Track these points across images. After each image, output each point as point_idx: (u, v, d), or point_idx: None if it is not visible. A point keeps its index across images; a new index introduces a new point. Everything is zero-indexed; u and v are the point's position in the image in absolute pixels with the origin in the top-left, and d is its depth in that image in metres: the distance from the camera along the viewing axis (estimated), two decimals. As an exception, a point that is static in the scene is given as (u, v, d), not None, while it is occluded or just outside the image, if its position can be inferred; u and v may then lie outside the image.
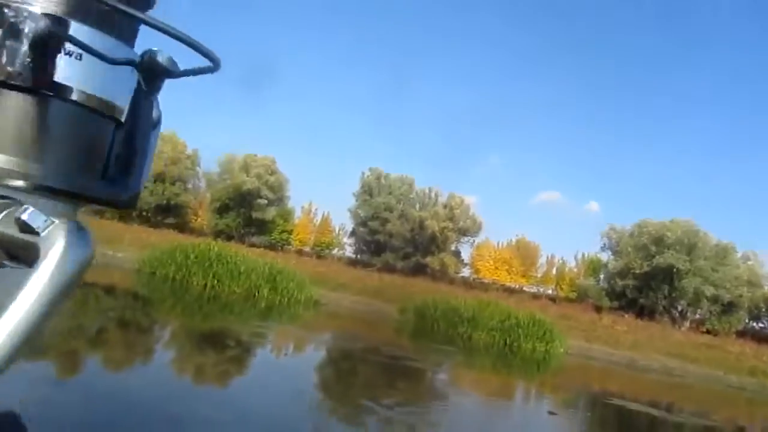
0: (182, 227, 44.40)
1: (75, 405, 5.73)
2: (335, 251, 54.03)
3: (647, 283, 39.90)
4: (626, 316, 34.75)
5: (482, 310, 22.01)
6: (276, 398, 7.82)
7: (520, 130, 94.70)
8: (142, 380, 7.51)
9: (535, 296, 42.12)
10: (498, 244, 54.56)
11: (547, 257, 55.64)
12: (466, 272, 52.49)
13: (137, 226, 35.19)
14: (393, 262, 45.04)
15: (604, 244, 45.14)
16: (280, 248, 44.30)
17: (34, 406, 5.29)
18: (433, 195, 49.49)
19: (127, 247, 24.50)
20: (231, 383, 8.61)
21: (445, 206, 47.06)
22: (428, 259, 45.22)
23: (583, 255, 53.38)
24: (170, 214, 47.27)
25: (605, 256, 46.29)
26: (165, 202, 46.18)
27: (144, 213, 46.00)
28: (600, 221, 76.96)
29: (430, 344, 17.87)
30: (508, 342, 20.78)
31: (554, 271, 54.86)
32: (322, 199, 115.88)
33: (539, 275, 54.80)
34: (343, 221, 53.86)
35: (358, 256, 50.07)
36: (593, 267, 49.65)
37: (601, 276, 46.47)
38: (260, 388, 8.40)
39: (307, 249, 51.82)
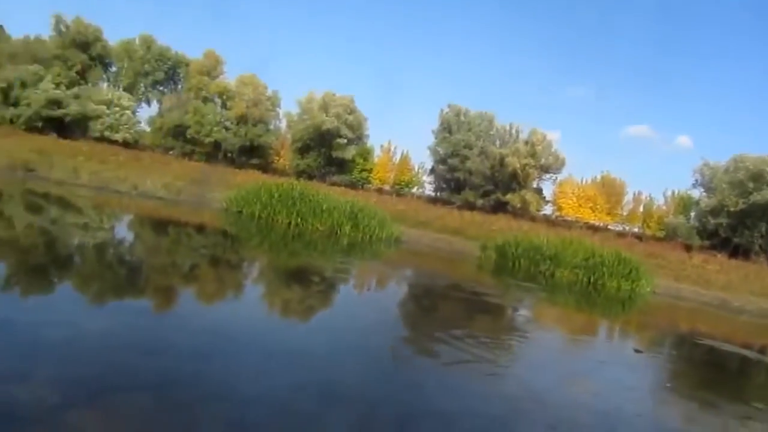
0: (265, 168, 45.51)
1: (171, 337, 6.10)
2: (415, 189, 54.14)
3: (742, 221, 37.87)
4: (718, 255, 33.24)
5: (565, 247, 21.61)
6: (359, 330, 8.05)
7: (607, 60, 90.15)
8: (234, 314, 7.89)
9: (621, 234, 40.95)
10: (582, 180, 53.05)
11: (634, 194, 53.72)
12: (547, 210, 51.48)
13: (223, 168, 36.33)
14: (473, 200, 44.67)
15: (696, 181, 42.90)
16: (360, 187, 44.77)
17: (133, 338, 5.68)
18: (513, 131, 48.26)
19: (215, 187, 25.43)
20: (317, 316, 8.91)
21: (526, 142, 45.82)
22: (509, 197, 44.51)
23: (673, 192, 51.20)
24: (253, 155, 48.49)
25: (697, 193, 44.14)
26: (248, 143, 47.33)
27: (229, 155, 47.41)
28: (692, 157, 73.02)
29: (511, 281, 17.79)
30: (591, 280, 20.40)
31: (641, 208, 52.99)
32: (401, 137, 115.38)
33: (625, 213, 53.09)
34: (422, 159, 53.63)
35: (438, 194, 49.92)
36: (683, 204, 47.57)
37: (692, 214, 44.49)
38: (345, 320, 8.66)
39: (386, 187, 52.18)
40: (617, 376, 7.97)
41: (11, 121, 40.79)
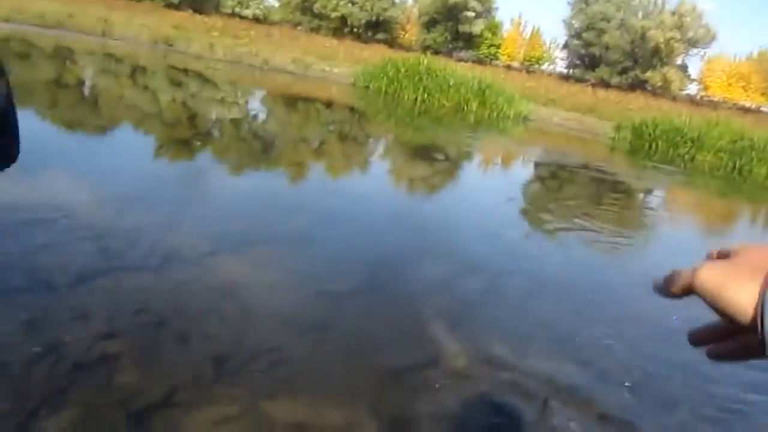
0: (391, 43, 44.85)
1: (305, 202, 6.42)
2: (545, 66, 51.48)
3: None
4: None
5: (709, 130, 19.95)
6: (484, 205, 8.07)
7: None
8: (362, 186, 8.13)
9: (776, 116, 37.12)
10: (734, 57, 47.92)
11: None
12: (691, 89, 47.44)
13: (349, 42, 36.13)
14: (608, 78, 41.89)
15: None
16: (487, 63, 43.22)
17: (270, 201, 6.03)
18: (659, 1, 43.84)
19: (342, 62, 25.52)
20: (441, 190, 8.99)
21: (672, 14, 41.59)
22: (648, 74, 41.29)
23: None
24: (379, 29, 47.78)
25: None
26: (374, 17, 46.57)
27: (355, 29, 47.00)
28: None
29: (646, 164, 16.87)
30: (737, 165, 18.87)
31: (804, 86, 47.40)
32: (532, 11, 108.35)
33: (784, 92, 47.77)
34: (554, 34, 50.57)
35: (571, 71, 47.22)
36: None
37: None
38: (469, 195, 8.69)
39: (515, 64, 49.94)
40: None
41: (151, -1, 42.42)
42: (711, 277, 0.56)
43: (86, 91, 12.27)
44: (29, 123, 7.79)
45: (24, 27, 21.59)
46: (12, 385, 2.52)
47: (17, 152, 0.63)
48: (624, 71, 42.26)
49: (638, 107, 26.68)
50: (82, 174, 5.61)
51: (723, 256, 0.60)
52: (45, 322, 3.00)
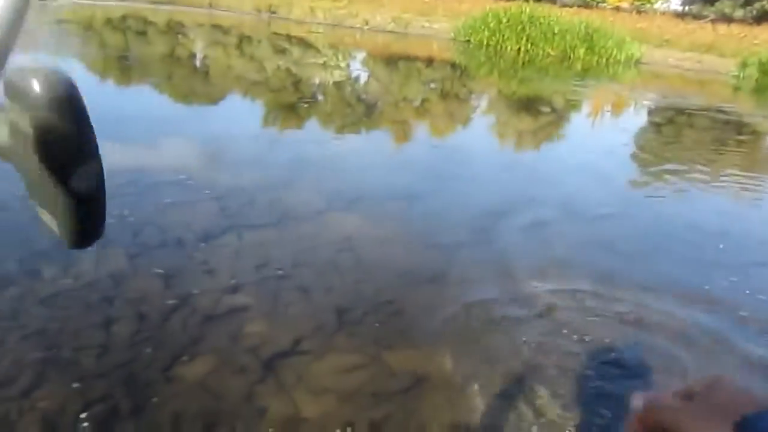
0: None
1: (415, 160, 6.40)
2: (658, 5, 48.05)
3: None
4: None
5: None
6: (593, 156, 7.72)
7: None
8: (467, 142, 8.01)
9: None
10: None
11: None
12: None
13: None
14: (730, 12, 38.49)
15: None
16: (594, 6, 40.95)
17: (378, 159, 6.06)
18: None
19: (442, 17, 25.03)
20: (548, 143, 8.69)
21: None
22: (778, 5, 37.56)
23: None
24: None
25: None
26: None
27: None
28: None
29: (777, 103, 15.49)
30: None
31: None
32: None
33: None
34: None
35: (687, 8, 43.83)
36: None
37: None
38: (577, 146, 8.35)
39: (624, 5, 46.97)
40: None
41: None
42: (670, 416, 0.50)
43: (198, 63, 12.79)
44: (151, 96, 8.25)
45: (138, 3, 22.76)
46: (151, 333, 2.71)
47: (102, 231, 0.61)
48: (749, 2, 38.67)
49: (765, 40, 24.40)
50: (200, 139, 5.88)
51: (688, 395, 0.52)
52: (177, 277, 3.19)
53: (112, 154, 4.48)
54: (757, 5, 38.38)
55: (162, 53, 13.09)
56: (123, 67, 10.47)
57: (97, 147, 0.55)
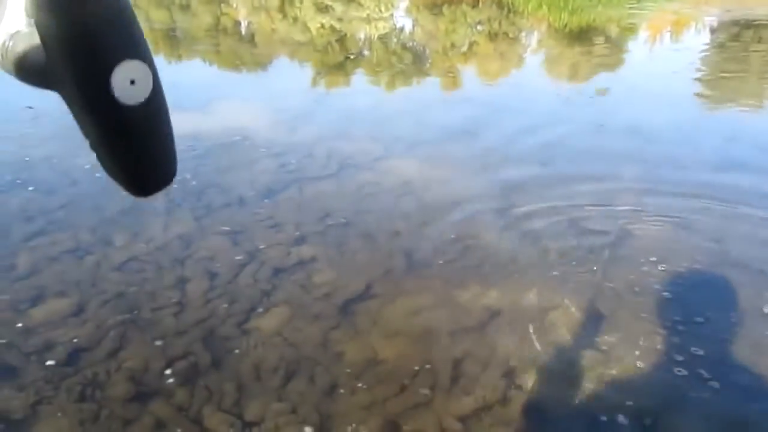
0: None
1: (462, 110, 6.23)
2: None
3: None
4: None
5: None
6: (656, 84, 7.33)
7: None
8: (518, 85, 7.74)
9: None
10: None
11: None
12: None
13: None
14: None
15: None
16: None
17: (428, 111, 5.93)
18: None
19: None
20: (607, 75, 8.31)
21: None
22: None
23: None
24: None
25: None
26: None
27: None
28: None
29: None
30: None
31: None
32: None
33: None
34: None
35: None
36: None
37: None
38: (636, 79, 7.95)
39: None
40: None
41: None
42: None
43: (243, 30, 12.80)
44: (201, 66, 8.31)
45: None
46: (224, 290, 2.74)
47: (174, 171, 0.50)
48: None
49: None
50: (253, 101, 5.88)
51: None
52: (243, 234, 3.21)
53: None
54: None
55: (207, 24, 13.14)
56: (172, 41, 10.56)
57: (146, 47, 0.46)
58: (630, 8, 14.29)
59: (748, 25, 11.58)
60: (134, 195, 0.52)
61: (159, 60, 8.70)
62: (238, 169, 3.97)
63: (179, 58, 9.34)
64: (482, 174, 3.97)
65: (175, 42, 10.51)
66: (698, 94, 6.56)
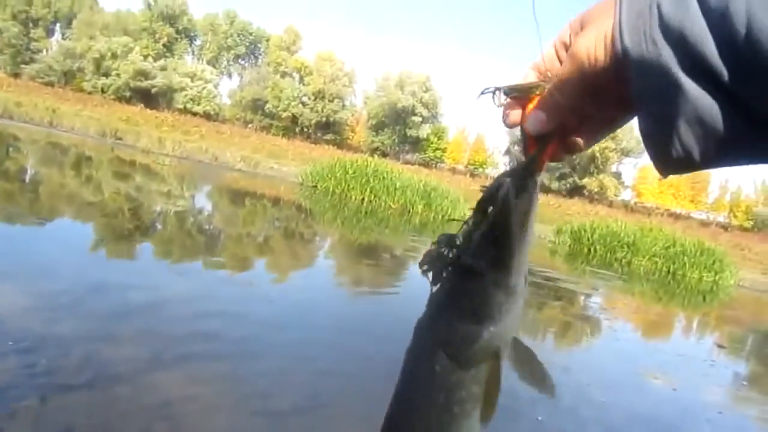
0: (340, 144, 46.01)
1: (248, 306, 6.27)
2: (489, 170, 53.45)
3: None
4: (814, 249, 31.36)
5: (644, 235, 20.89)
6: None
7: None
8: (306, 287, 8.04)
9: (704, 223, 39.23)
10: (664, 166, 50.94)
11: (720, 183, 51.23)
12: (626, 195, 49.89)
13: (299, 142, 36.90)
14: (548, 183, 43.71)
15: (791, 170, 40.53)
16: (433, 166, 44.59)
17: (212, 305, 5.87)
18: (594, 113, 46.80)
19: (291, 161, 25.92)
20: (384, 292, 8.96)
21: (607, 125, 44.43)
22: (585, 181, 43.35)
23: (763, 181, 48.51)
24: (329, 130, 49.04)
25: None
26: (324, 119, 47.89)
27: (305, 129, 48.13)
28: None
29: (585, 268, 17.35)
30: (671, 270, 19.67)
31: (728, 197, 50.51)
32: (476, 118, 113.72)
33: (710, 201, 50.76)
34: (497, 141, 53.06)
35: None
36: (775, 195, 45.10)
37: (785, 205, 42.15)
38: (408, 298, 8.67)
39: (460, 167, 51.71)
40: (697, 371, 7.66)
41: (102, 91, 42.74)
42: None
43: (27, 180, 11.99)
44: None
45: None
46: None
47: None
48: (563, 177, 44.20)
49: (577, 212, 27.82)
50: (14, 273, 5.36)
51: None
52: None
53: None
54: (569, 180, 43.99)
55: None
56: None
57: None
58: (411, 239, 15.89)
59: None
60: None
61: None
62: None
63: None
64: (246, 404, 3.88)
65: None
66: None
